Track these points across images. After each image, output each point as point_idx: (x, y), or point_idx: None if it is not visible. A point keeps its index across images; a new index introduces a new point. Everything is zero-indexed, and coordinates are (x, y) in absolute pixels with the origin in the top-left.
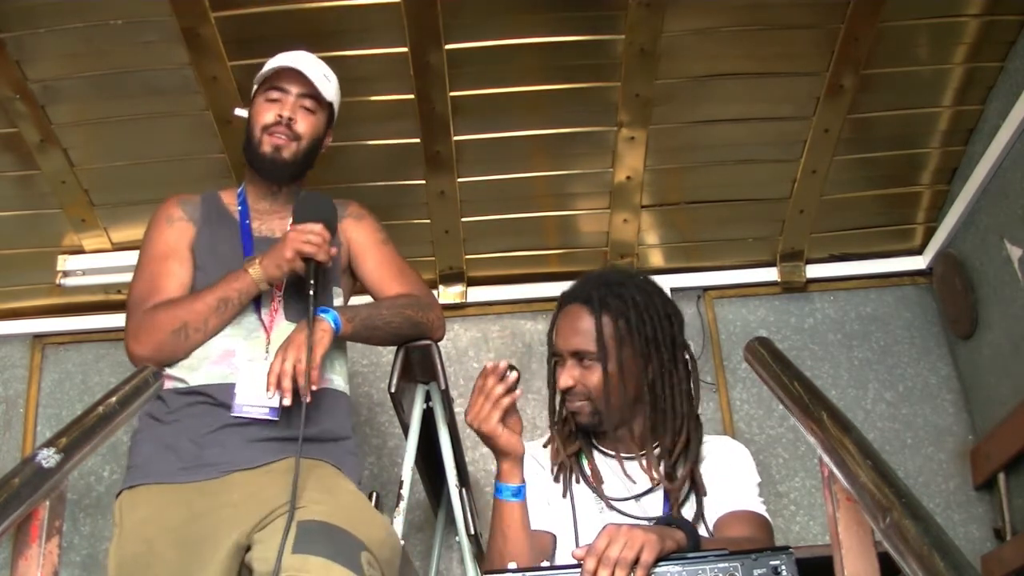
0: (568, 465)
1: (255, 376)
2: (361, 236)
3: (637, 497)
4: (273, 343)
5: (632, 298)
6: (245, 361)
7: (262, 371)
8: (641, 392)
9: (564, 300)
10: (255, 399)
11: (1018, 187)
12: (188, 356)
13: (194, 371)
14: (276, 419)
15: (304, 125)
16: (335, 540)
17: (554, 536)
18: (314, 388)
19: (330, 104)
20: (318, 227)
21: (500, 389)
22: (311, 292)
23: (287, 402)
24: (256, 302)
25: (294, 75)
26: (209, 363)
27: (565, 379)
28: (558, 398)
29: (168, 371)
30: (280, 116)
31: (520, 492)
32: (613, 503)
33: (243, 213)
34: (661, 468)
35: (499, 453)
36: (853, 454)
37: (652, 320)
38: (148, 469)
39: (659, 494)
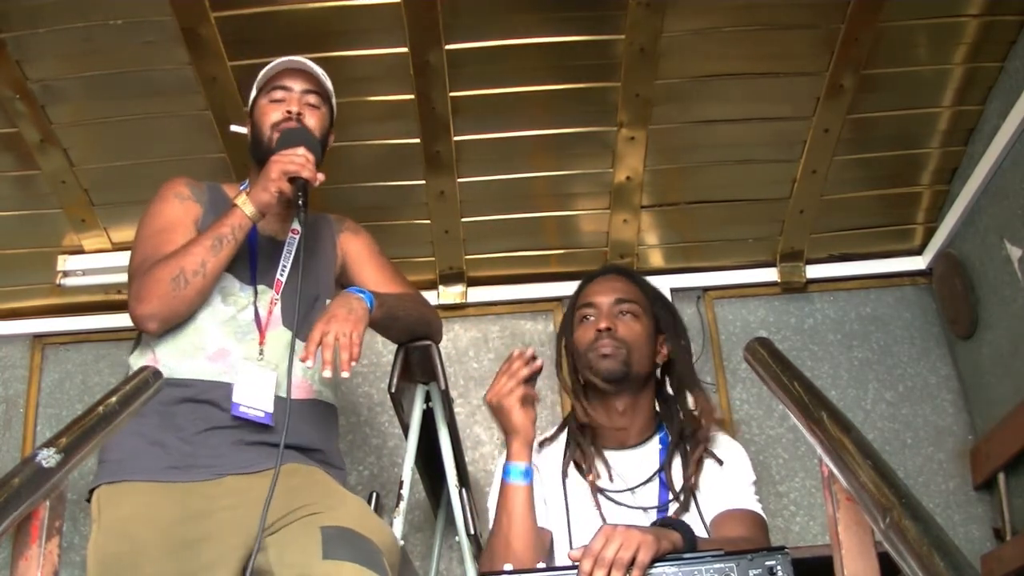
0: (568, 454)
1: (253, 377)
2: (357, 247)
3: (632, 489)
4: (268, 345)
5: (656, 290)
6: (241, 360)
7: (259, 373)
8: (654, 370)
9: (595, 274)
10: (252, 400)
11: (1018, 187)
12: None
13: (187, 360)
14: (271, 424)
15: (312, 120)
16: (360, 546)
17: (551, 533)
18: (354, 364)
19: (330, 100)
20: (300, 149)
21: (525, 371)
22: (301, 210)
23: (327, 374)
24: (254, 304)
25: (295, 73)
26: (204, 356)
27: (605, 321)
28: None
29: (157, 356)
30: (289, 112)
31: (528, 474)
32: (609, 493)
33: None
34: (661, 456)
35: (511, 432)
36: (853, 454)
37: (674, 312)
38: (132, 465)
39: (654, 485)
